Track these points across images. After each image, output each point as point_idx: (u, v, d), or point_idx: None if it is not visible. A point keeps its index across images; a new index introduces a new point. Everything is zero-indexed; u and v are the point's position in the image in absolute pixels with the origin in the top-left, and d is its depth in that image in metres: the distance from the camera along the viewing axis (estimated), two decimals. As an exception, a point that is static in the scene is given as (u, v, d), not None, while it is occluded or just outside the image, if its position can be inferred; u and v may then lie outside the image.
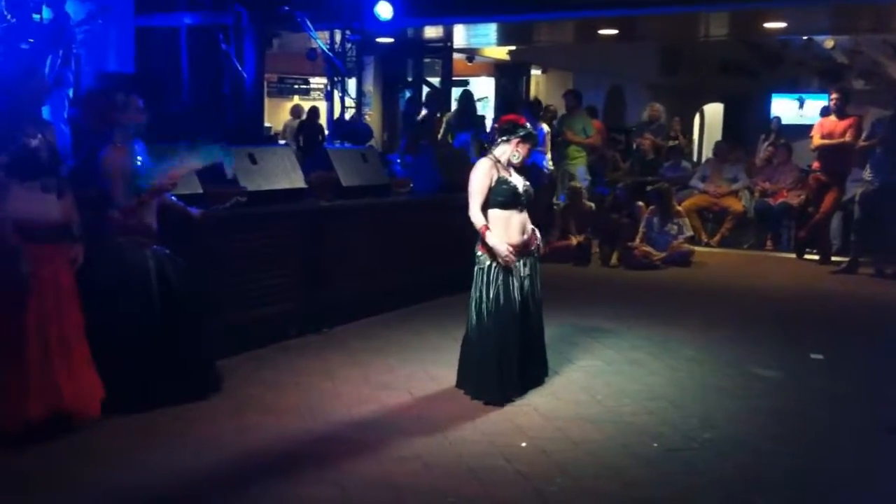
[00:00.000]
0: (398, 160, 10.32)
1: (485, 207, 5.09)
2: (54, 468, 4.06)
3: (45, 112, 7.22)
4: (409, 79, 14.65)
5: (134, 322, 4.75)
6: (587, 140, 11.66)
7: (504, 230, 5.07)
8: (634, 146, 13.70)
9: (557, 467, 4.19)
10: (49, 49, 7.10)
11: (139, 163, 4.82)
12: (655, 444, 4.52)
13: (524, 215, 5.17)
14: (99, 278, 4.67)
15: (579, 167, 11.59)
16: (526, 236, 5.15)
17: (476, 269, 5.16)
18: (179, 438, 4.45)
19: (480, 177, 5.07)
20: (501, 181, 5.06)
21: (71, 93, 7.42)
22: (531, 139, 5.23)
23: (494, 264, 5.07)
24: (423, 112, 12.14)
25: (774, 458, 4.42)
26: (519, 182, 5.15)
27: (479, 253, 5.15)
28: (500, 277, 5.06)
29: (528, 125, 5.33)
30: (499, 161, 5.13)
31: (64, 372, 4.37)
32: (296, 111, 16.28)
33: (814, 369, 6.06)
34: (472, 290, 5.16)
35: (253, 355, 5.87)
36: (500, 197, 5.08)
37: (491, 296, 5.06)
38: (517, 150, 5.15)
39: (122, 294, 4.76)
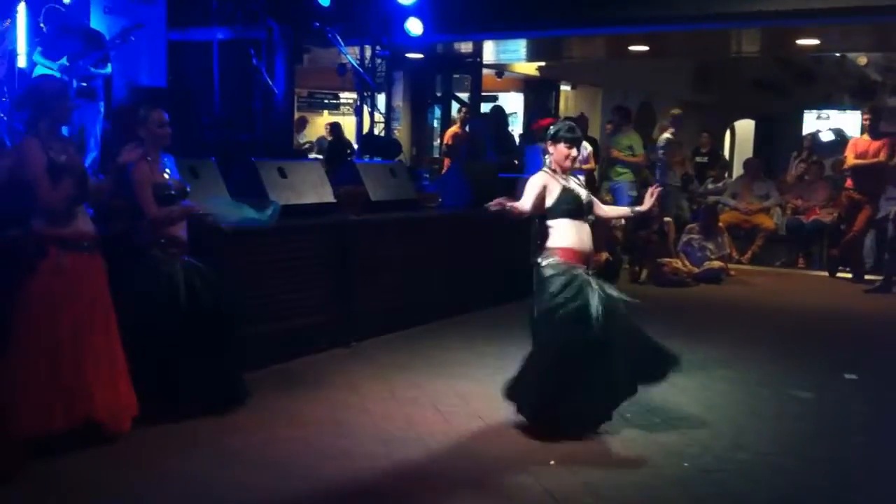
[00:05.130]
0: (426, 175, 10.33)
1: (546, 218, 4.83)
2: (77, 476, 4.06)
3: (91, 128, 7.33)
4: (438, 94, 14.69)
5: (162, 333, 4.75)
6: (633, 158, 11.22)
7: (574, 236, 4.81)
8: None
9: (586, 486, 4.13)
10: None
11: (168, 175, 4.87)
12: (686, 465, 4.45)
13: (587, 227, 4.91)
14: (128, 289, 4.69)
15: (623, 183, 11.05)
16: (590, 248, 4.89)
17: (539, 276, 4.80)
18: (205, 450, 4.44)
19: (528, 187, 4.83)
20: (566, 190, 4.82)
21: (102, 106, 7.50)
22: (563, 138, 4.83)
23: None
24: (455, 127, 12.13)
25: (807, 481, 4.33)
26: (582, 192, 4.90)
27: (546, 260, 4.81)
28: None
29: (561, 124, 5.01)
30: (554, 171, 4.88)
31: (97, 382, 4.37)
32: (301, 123, 16.10)
33: (848, 390, 5.96)
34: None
35: (281, 368, 5.87)
36: (565, 205, 4.81)
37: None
38: (552, 153, 4.88)
39: (151, 305, 4.77)
